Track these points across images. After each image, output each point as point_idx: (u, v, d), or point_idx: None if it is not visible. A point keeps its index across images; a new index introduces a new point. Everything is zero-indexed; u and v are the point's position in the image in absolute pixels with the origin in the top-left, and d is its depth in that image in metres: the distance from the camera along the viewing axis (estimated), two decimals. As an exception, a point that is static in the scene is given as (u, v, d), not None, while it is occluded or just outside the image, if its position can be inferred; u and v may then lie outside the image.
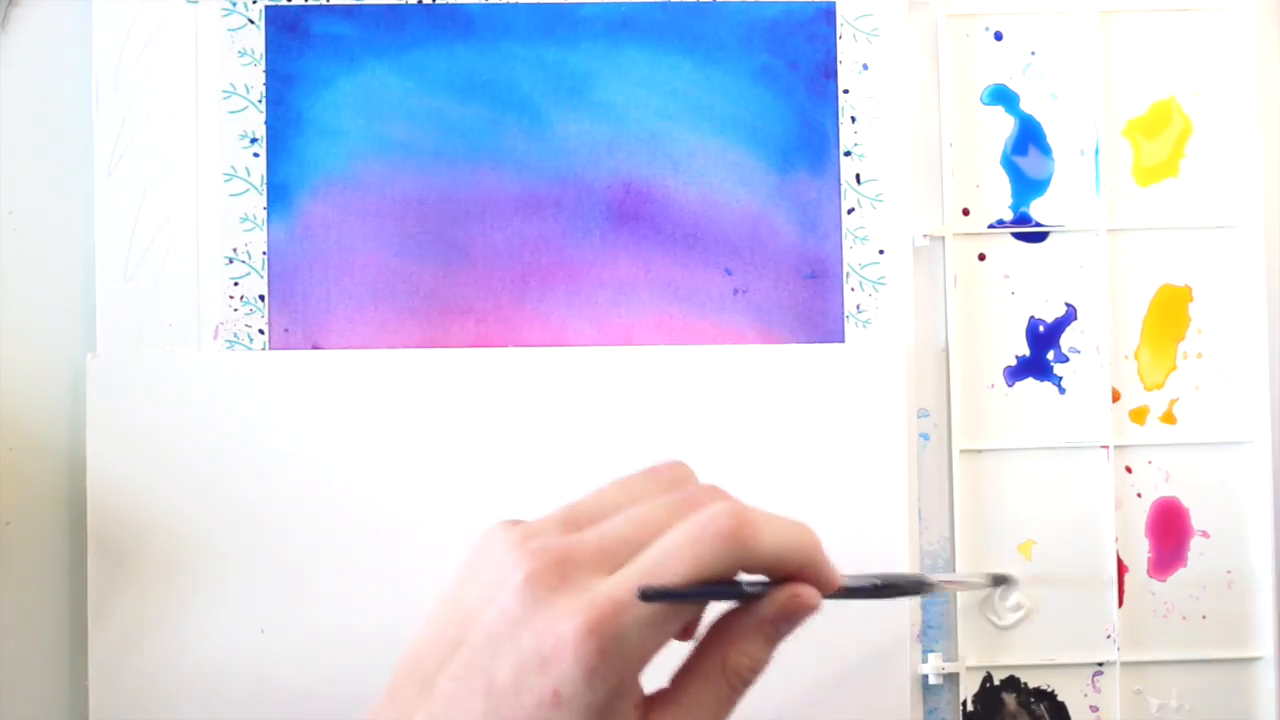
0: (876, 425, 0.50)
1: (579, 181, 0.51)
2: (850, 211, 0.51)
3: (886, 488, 0.50)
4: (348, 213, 0.51)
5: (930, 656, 0.51)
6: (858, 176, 0.51)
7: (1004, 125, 0.52)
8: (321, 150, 0.51)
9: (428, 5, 0.51)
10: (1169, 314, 0.52)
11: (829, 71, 0.51)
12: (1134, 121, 0.53)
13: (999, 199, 0.52)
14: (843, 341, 0.51)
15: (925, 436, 0.51)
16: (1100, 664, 0.51)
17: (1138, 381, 0.52)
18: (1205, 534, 0.52)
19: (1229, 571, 0.52)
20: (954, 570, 0.51)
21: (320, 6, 0.51)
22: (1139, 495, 0.52)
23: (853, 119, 0.51)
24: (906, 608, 0.50)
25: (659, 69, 0.51)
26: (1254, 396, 0.52)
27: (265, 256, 0.50)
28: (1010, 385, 0.52)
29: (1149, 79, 0.53)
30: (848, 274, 0.51)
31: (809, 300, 0.51)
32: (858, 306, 0.51)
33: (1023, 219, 0.52)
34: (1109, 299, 0.52)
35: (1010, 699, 0.51)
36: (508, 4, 0.51)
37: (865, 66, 0.51)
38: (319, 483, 0.49)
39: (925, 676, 0.50)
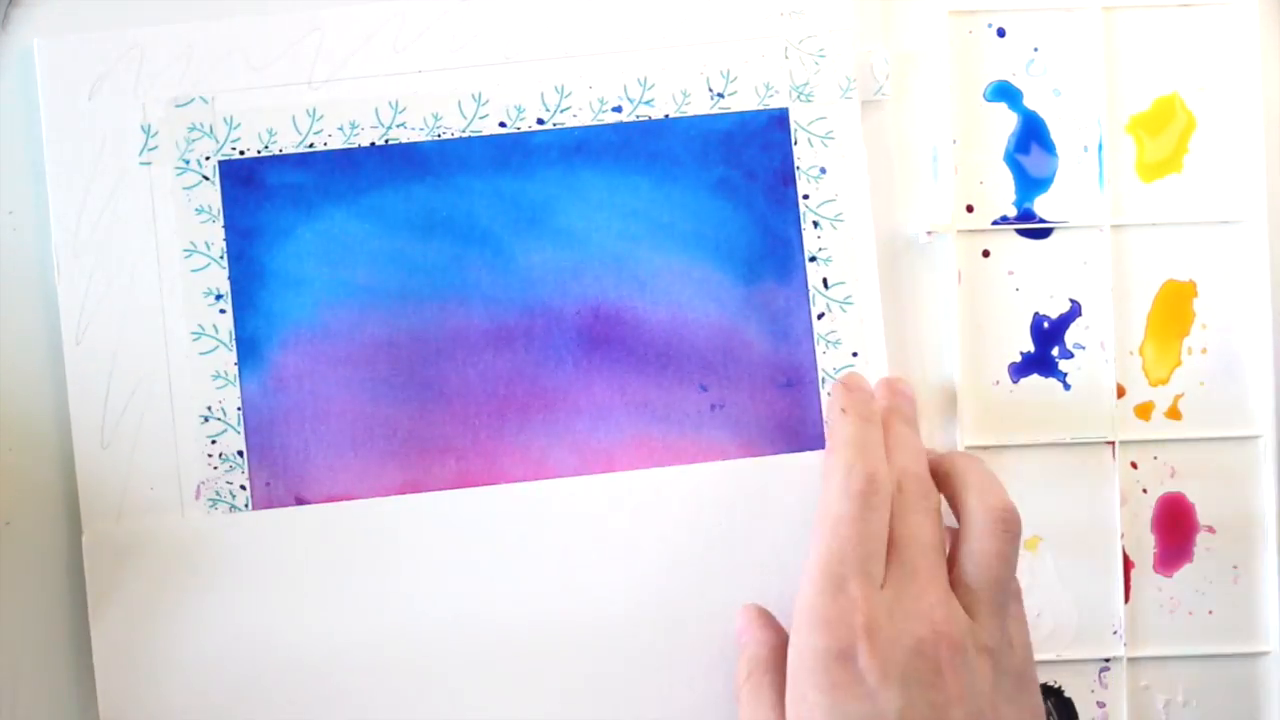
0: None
1: (547, 310, 0.51)
2: (820, 316, 0.51)
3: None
4: (319, 361, 0.51)
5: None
6: (825, 281, 0.51)
7: (1007, 122, 0.52)
8: (287, 301, 0.51)
9: (381, 146, 0.51)
10: (1173, 309, 0.52)
11: (787, 179, 0.51)
12: (1137, 117, 0.52)
13: (1002, 195, 0.52)
14: (824, 448, 0.51)
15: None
16: (1107, 660, 0.51)
17: (1142, 377, 0.52)
18: (1211, 529, 0.52)
19: (1235, 567, 0.52)
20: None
21: (273, 157, 0.51)
22: (1144, 491, 0.52)
23: (815, 224, 0.51)
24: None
25: (617, 190, 0.51)
26: (1259, 391, 0.52)
27: (240, 412, 0.50)
28: (1015, 381, 0.52)
29: (1152, 74, 0.52)
30: (823, 379, 0.51)
31: (786, 409, 0.51)
32: (836, 410, 0.51)
33: (1026, 215, 0.52)
34: (1113, 295, 0.52)
35: (1015, 695, 0.51)
36: (460, 139, 0.51)
37: (823, 170, 0.51)
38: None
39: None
